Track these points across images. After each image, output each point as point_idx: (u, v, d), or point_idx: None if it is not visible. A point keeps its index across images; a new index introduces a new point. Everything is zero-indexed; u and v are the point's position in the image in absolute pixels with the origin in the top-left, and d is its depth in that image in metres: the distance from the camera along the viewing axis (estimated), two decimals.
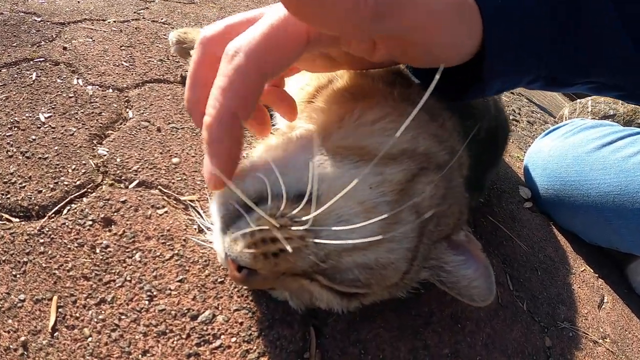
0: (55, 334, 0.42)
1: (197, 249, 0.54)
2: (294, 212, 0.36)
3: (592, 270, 0.87)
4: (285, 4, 0.28)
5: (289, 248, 0.34)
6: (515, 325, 0.63)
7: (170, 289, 0.48)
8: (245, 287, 0.51)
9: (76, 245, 0.49)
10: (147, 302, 0.46)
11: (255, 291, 0.51)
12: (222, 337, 0.46)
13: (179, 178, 0.62)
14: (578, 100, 1.49)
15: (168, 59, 0.87)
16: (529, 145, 1.35)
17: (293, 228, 0.36)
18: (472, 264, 0.47)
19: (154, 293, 0.47)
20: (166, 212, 0.57)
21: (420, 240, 0.42)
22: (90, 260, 0.48)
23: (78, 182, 0.55)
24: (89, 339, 0.42)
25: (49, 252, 0.48)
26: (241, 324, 0.48)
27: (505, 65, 0.38)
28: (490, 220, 0.85)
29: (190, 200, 0.59)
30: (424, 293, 0.60)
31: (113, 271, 0.48)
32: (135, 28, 0.97)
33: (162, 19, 1.07)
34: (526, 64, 0.39)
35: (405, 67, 0.54)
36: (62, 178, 0.56)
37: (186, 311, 0.47)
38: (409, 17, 0.31)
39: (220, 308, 0.48)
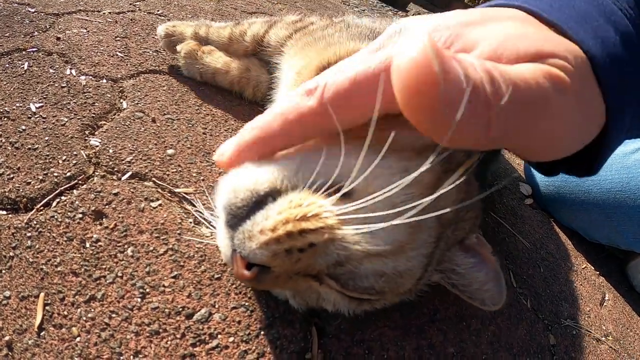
0: (41, 334, 0.39)
1: (193, 244, 0.51)
2: (323, 202, 0.32)
3: (593, 268, 0.86)
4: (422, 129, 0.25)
5: (322, 237, 0.31)
6: (519, 323, 0.62)
7: (164, 286, 0.46)
8: (246, 286, 0.49)
9: (65, 239, 0.47)
10: (139, 300, 0.44)
11: (256, 289, 0.49)
12: (219, 336, 0.44)
13: (174, 170, 0.60)
14: None
15: (164, 51, 0.84)
16: None
17: (320, 217, 0.31)
18: (482, 267, 0.46)
19: (147, 290, 0.45)
20: (160, 205, 0.55)
21: (437, 246, 0.40)
22: (79, 255, 0.46)
23: (68, 174, 0.53)
24: (78, 339, 0.40)
25: (37, 246, 0.45)
26: (239, 322, 0.45)
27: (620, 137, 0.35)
28: (492, 217, 0.83)
29: (186, 193, 0.57)
30: (427, 291, 0.58)
31: (104, 267, 0.46)
32: (131, 19, 0.95)
33: (158, 10, 1.05)
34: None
35: None
36: (51, 169, 0.53)
37: (181, 309, 0.45)
38: (533, 140, 0.29)
39: (217, 306, 0.46)
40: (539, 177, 0.97)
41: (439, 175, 0.37)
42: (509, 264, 0.73)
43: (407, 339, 0.52)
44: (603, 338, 0.68)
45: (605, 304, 0.76)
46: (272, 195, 0.34)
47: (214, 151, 0.66)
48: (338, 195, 0.33)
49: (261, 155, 0.36)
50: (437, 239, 0.39)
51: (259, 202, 0.34)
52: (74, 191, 0.52)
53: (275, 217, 0.32)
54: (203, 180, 0.60)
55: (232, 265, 0.37)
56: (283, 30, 0.74)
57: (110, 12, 0.95)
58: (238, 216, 0.35)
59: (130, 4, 1.05)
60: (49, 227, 0.47)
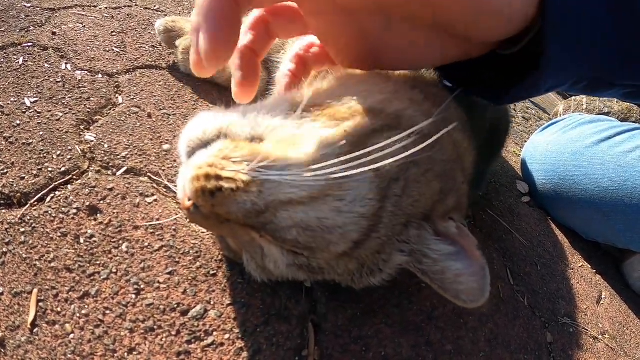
0: (35, 330, 0.39)
1: (188, 240, 0.51)
2: (240, 152, 0.35)
3: (590, 266, 0.86)
4: None
5: (224, 185, 0.34)
6: (517, 320, 0.62)
7: (159, 282, 0.46)
8: (236, 279, 0.49)
9: (59, 234, 0.46)
10: (134, 296, 0.44)
11: (250, 284, 0.48)
12: (215, 333, 0.43)
13: (170, 165, 0.59)
14: (573, 98, 1.48)
15: (160, 46, 0.84)
16: (525, 141, 1.34)
17: (232, 169, 0.35)
18: (462, 258, 0.41)
19: (142, 286, 0.45)
20: (155, 200, 0.54)
21: (382, 206, 0.37)
22: (73, 251, 0.45)
23: (63, 169, 0.52)
24: (71, 336, 0.39)
25: (30, 242, 0.45)
26: (235, 319, 0.45)
27: (564, 51, 0.32)
28: (489, 214, 0.83)
29: None
30: (425, 288, 0.58)
31: (98, 263, 0.45)
32: (127, 14, 0.94)
33: (155, 6, 1.04)
34: (582, 56, 0.34)
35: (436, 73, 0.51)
36: (46, 164, 0.52)
37: (176, 306, 0.44)
38: None
39: (212, 302, 0.46)
40: (536, 175, 0.97)
41: (373, 128, 0.37)
42: (506, 262, 0.73)
43: (405, 336, 0.52)
44: (600, 336, 0.68)
45: (601, 302, 0.76)
46: (219, 138, 0.38)
47: None
48: (264, 150, 0.36)
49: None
50: (381, 197, 0.37)
51: (206, 143, 0.38)
52: (69, 186, 0.51)
53: (204, 158, 0.36)
54: None
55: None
56: None
57: (106, 7, 0.94)
58: (189, 153, 0.39)
59: None
60: (42, 223, 0.46)
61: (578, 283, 0.77)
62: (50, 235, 0.46)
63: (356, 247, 0.37)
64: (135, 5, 1.01)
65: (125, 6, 0.99)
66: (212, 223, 0.37)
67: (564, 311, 0.70)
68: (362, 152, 0.33)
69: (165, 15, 0.98)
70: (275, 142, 0.37)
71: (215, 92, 0.78)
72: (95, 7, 0.94)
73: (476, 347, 0.55)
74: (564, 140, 0.91)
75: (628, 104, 1.47)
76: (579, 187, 0.84)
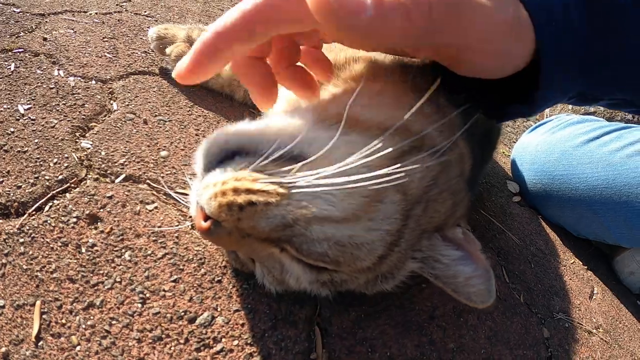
0: (39, 343, 0.38)
1: (191, 247, 0.51)
2: (277, 170, 0.35)
3: (581, 263, 0.89)
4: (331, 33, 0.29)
5: (258, 199, 0.33)
6: (514, 317, 0.63)
7: (164, 290, 0.45)
8: (241, 285, 0.48)
9: (60, 244, 0.45)
10: (139, 305, 0.43)
11: (256, 290, 0.48)
12: (223, 340, 0.43)
13: (169, 172, 0.59)
14: None
15: (152, 52, 0.83)
16: (513, 142, 1.37)
17: (266, 181, 0.34)
18: (469, 262, 0.44)
19: (147, 295, 0.44)
20: (156, 207, 0.54)
21: (405, 224, 0.39)
22: (75, 261, 0.45)
23: (60, 177, 0.51)
24: (77, 348, 0.39)
25: (30, 252, 0.44)
26: (243, 325, 0.45)
27: (559, 73, 0.37)
28: (482, 214, 0.85)
29: (184, 194, 0.56)
30: (425, 288, 0.59)
31: (101, 272, 0.45)
32: (118, 20, 0.93)
33: (145, 11, 1.03)
34: (572, 78, 0.39)
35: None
36: (43, 172, 0.51)
37: (183, 314, 0.44)
38: (460, 36, 0.33)
39: (219, 309, 0.46)
40: (526, 175, 1.00)
41: (404, 149, 0.39)
42: (500, 260, 0.75)
43: (408, 336, 0.52)
44: (594, 330, 0.70)
45: (594, 297, 0.78)
46: (239, 154, 0.37)
47: None
48: (298, 165, 0.35)
49: (220, 59, 0.33)
50: (405, 217, 0.39)
51: (224, 159, 0.37)
52: (67, 195, 0.50)
53: (230, 174, 0.35)
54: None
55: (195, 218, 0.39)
56: None
57: (97, 13, 0.93)
58: (205, 170, 0.38)
59: (117, 5, 1.03)
60: (42, 232, 0.46)
61: (571, 279, 0.79)
62: (51, 245, 0.45)
63: (380, 261, 0.39)
64: (126, 10, 1.00)
65: (115, 12, 0.98)
66: (232, 239, 0.37)
67: (559, 307, 0.72)
68: (395, 173, 0.34)
69: (156, 21, 0.98)
70: (305, 155, 0.36)
71: (210, 98, 0.78)
72: (85, 12, 0.92)
73: (477, 344, 0.56)
74: (553, 140, 0.94)
75: None
76: (569, 186, 0.86)
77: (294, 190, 0.34)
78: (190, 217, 0.50)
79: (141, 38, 0.88)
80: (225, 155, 0.37)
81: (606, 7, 0.36)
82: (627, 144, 0.79)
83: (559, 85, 0.39)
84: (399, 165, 0.34)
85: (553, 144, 0.95)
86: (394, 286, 0.45)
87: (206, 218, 0.36)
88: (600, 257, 0.94)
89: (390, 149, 0.35)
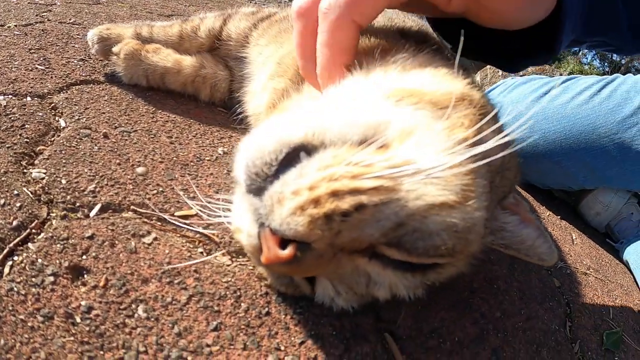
0: None
1: (218, 279, 0.40)
2: (365, 156, 0.28)
3: (554, 214, 0.97)
4: None
5: (370, 199, 0.26)
6: (530, 274, 0.66)
7: (207, 345, 0.35)
8: (293, 310, 0.40)
9: (41, 319, 0.31)
10: None
11: (310, 311, 0.41)
12: None
13: (154, 191, 0.47)
14: (488, 66, 1.65)
15: (90, 58, 0.71)
16: None
17: (371, 176, 0.27)
18: (527, 225, 0.45)
19: (189, 358, 0.33)
20: (155, 238, 0.41)
21: (491, 197, 0.37)
22: (72, 338, 0.31)
23: (15, 223, 0.36)
24: None
25: (2, 342, 0.29)
26: (315, 358, 0.37)
27: (571, 23, 0.44)
28: None
29: (184, 217, 0.45)
30: (483, 259, 0.58)
31: (114, 344, 0.32)
32: (42, 30, 0.82)
33: (70, 19, 0.95)
34: (573, 28, 0.46)
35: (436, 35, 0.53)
36: None
37: None
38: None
39: (282, 347, 0.37)
40: None
41: (478, 119, 0.36)
42: None
43: (464, 316, 0.50)
44: (588, 271, 0.77)
45: (575, 242, 0.86)
46: (306, 149, 0.28)
47: (191, 161, 0.54)
48: (389, 152, 0.29)
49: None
50: (490, 189, 0.37)
51: (289, 158, 0.28)
52: (30, 245, 0.35)
53: (315, 174, 0.27)
54: (193, 198, 0.48)
55: (260, 249, 0.29)
56: (243, 21, 0.70)
57: (16, 25, 0.81)
58: (262, 177, 0.28)
59: (37, 15, 0.91)
60: (10, 308, 0.31)
61: (552, 229, 0.86)
62: (29, 324, 0.31)
63: (480, 242, 0.36)
64: (48, 20, 0.90)
65: (36, 22, 0.86)
66: (322, 262, 0.28)
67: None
68: (481, 149, 0.31)
69: (85, 28, 0.87)
70: (391, 139, 0.30)
71: (171, 100, 0.65)
72: (2, 25, 0.79)
73: (515, 306, 0.57)
74: (506, 103, 1.00)
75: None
76: (530, 144, 0.92)
77: (406, 180, 0.28)
78: (219, 241, 0.40)
79: (74, 46, 0.77)
80: (293, 154, 0.28)
81: None
82: (575, 94, 0.87)
83: (569, 33, 0.46)
84: (504, 134, 0.30)
85: (505, 107, 1.01)
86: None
87: (284, 243, 0.27)
88: (566, 207, 1.05)
89: (487, 118, 0.32)
